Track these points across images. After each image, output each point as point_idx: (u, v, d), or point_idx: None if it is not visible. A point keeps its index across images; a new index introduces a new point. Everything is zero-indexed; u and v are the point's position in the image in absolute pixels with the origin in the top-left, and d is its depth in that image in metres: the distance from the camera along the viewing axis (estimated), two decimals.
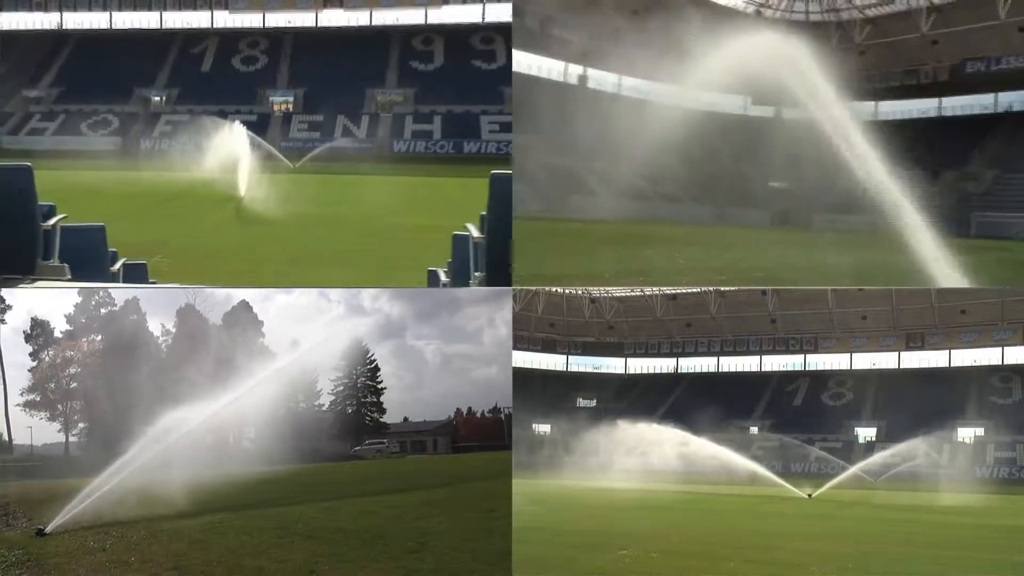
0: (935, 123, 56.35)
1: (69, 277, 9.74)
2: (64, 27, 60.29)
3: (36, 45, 59.99)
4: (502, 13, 54.57)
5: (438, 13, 58.96)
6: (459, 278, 10.94)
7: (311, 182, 41.61)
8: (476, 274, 9.58)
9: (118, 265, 11.97)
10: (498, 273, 9.25)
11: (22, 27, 59.40)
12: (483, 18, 58.57)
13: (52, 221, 9.68)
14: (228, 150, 39.59)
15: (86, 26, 60.34)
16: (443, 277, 12.09)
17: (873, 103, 56.63)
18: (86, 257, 10.64)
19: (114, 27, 60.57)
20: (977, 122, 55.54)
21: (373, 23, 60.31)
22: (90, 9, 59.89)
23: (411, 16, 59.31)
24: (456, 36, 59.92)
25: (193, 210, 34.23)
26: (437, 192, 38.25)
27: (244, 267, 22.29)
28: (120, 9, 60.30)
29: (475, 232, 9.75)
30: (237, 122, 45.92)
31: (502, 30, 56.11)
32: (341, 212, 33.76)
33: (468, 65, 59.16)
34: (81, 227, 11.12)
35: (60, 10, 59.81)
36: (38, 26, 59.86)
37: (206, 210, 33.69)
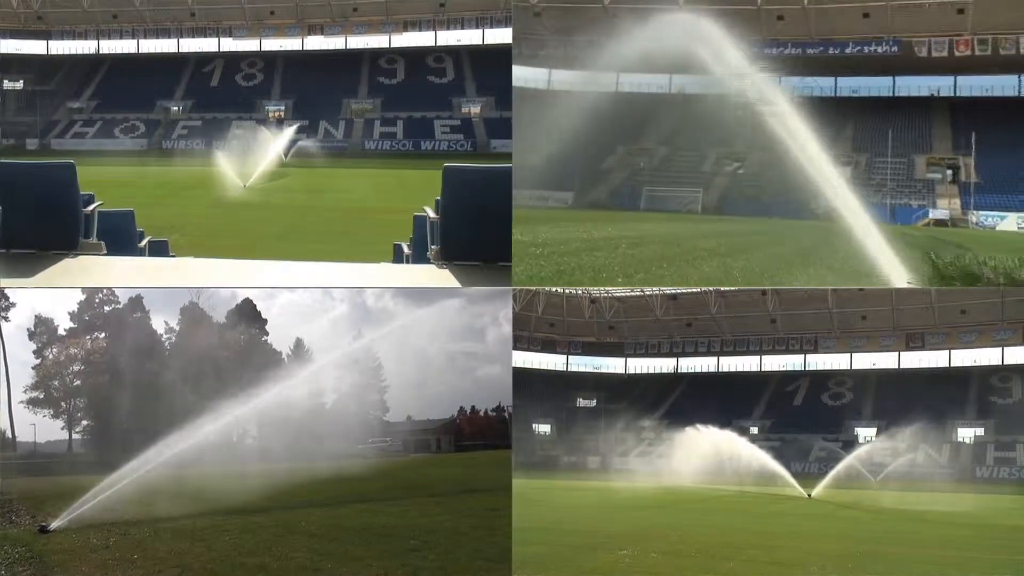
0: (613, 99, 58.39)
1: (105, 252, 11.21)
2: (100, 52, 74.01)
3: (78, 66, 73.48)
4: (451, 38, 71.09)
5: (400, 38, 72.45)
6: (419, 250, 12.49)
7: (299, 174, 49.11)
8: (432, 247, 10.87)
9: (144, 242, 13.91)
10: (449, 247, 10.52)
11: (67, 52, 73.47)
12: (435, 42, 71.82)
13: (91, 207, 11.35)
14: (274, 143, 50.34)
15: (118, 51, 74.03)
16: (406, 250, 13.76)
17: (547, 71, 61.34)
18: (119, 236, 12.42)
19: (140, 51, 73.88)
20: (653, 101, 59.05)
21: (348, 47, 73.43)
22: (121, 37, 73.78)
23: (378, 41, 72.99)
24: (414, 56, 72.29)
25: (204, 196, 38.97)
26: (400, 182, 43.99)
27: (243, 242, 24.81)
28: (145, 37, 73.97)
29: (431, 213, 11.33)
30: (294, 124, 61.49)
31: (451, 51, 71.45)
32: (324, 198, 39.30)
33: (424, 80, 71.20)
34: (114, 212, 13.00)
35: (97, 38, 73.85)
36: (80, 51, 73.75)
37: (214, 196, 38.63)
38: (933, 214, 52.57)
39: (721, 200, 54.68)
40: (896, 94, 59.72)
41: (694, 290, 50.67)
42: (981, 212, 51.15)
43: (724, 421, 46.36)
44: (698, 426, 37.22)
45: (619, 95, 58.98)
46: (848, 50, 56.84)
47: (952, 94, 59.76)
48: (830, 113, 58.77)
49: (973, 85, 60.70)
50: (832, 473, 31.59)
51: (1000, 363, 50.13)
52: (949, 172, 55.45)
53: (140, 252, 13.58)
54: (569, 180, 53.54)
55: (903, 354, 53.31)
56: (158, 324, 42.89)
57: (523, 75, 59.20)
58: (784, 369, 55.97)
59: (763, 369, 56.49)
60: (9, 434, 39.02)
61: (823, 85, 59.44)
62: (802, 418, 50.28)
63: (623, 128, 56.26)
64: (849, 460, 34.55)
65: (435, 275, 10.47)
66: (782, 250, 23.97)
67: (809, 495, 27.54)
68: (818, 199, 55.14)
